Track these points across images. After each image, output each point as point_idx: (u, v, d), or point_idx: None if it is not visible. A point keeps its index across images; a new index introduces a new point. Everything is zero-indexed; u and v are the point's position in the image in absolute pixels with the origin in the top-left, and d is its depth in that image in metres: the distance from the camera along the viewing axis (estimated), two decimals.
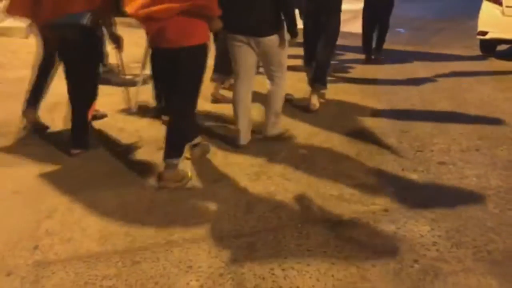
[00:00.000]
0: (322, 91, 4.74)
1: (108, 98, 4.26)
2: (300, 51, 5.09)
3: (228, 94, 4.34)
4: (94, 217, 2.75)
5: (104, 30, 3.62)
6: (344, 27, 5.47)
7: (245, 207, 2.86)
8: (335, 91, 5.18)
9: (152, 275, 2.26)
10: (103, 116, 4.23)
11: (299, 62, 5.36)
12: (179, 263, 2.34)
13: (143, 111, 4.34)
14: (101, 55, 3.70)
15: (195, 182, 3.18)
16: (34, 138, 3.84)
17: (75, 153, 3.51)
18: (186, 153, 3.30)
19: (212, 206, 2.88)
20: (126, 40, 3.86)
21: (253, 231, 2.62)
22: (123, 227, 2.65)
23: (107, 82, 4.09)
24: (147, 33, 3.13)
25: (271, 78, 3.71)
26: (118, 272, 2.28)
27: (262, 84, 3.83)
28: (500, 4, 6.57)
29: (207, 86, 4.21)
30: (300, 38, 4.06)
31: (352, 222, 2.70)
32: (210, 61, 3.57)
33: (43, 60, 3.85)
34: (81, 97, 3.57)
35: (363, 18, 6.68)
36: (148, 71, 3.92)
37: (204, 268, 2.31)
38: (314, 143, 3.82)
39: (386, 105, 4.77)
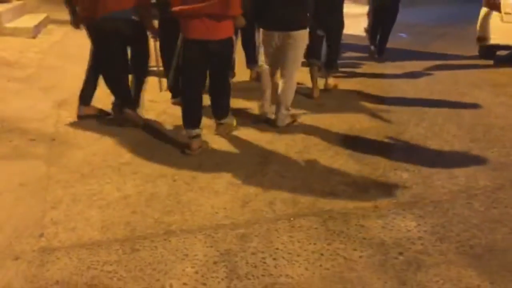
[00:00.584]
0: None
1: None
2: None
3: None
4: (97, 208, 2.90)
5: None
6: (348, 30, 5.81)
7: (241, 201, 2.99)
8: (334, 91, 5.39)
9: (150, 262, 2.40)
10: (108, 114, 4.39)
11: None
12: (176, 251, 2.48)
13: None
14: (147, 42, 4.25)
15: (196, 177, 3.31)
16: (40, 134, 3.98)
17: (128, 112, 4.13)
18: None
19: (210, 200, 3.01)
20: None
21: (248, 223, 2.75)
22: (124, 218, 2.79)
23: None
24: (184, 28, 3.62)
25: (283, 74, 4.16)
26: (118, 259, 2.42)
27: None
28: (499, 10, 6.68)
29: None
30: None
31: (342, 217, 2.82)
32: None
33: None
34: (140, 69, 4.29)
35: (370, 17, 7.02)
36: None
37: (199, 256, 2.44)
38: (310, 142, 3.95)
39: (383, 106, 4.89)
